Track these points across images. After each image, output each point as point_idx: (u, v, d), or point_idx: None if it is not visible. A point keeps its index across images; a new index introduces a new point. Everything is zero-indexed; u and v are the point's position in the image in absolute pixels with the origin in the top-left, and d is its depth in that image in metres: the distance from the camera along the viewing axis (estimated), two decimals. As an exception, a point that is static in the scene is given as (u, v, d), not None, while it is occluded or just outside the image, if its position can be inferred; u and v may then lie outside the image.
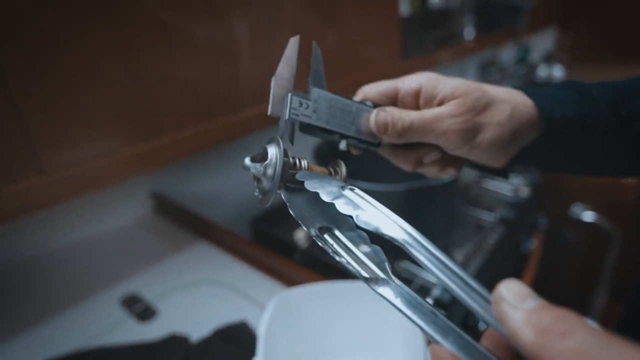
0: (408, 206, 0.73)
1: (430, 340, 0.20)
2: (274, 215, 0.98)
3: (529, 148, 0.36)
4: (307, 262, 0.81)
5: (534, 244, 1.08)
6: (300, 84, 0.31)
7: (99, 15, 0.50)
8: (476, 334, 0.86)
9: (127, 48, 0.54)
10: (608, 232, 1.32)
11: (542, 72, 1.88)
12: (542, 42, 2.30)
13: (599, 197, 1.34)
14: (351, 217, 0.24)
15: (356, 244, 0.27)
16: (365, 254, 0.26)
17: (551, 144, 0.36)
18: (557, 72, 1.79)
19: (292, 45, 0.30)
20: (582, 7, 2.20)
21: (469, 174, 1.11)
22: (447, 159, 0.38)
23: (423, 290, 0.70)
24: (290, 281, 0.69)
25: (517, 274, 1.02)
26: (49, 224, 0.78)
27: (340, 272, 0.73)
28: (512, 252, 0.99)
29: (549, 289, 1.48)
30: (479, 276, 0.80)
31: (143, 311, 0.64)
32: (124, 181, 0.73)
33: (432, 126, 0.33)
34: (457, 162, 0.39)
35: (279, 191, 0.29)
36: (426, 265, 0.22)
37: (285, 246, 0.87)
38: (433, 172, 0.40)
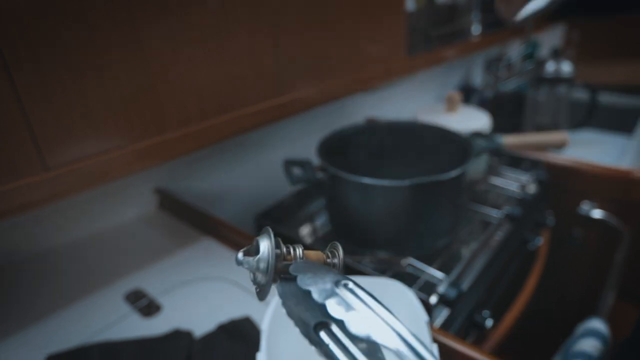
0: (413, 202, 0.72)
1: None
2: (278, 212, 0.98)
3: None
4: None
5: (541, 242, 1.06)
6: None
7: (104, 11, 0.50)
8: (483, 331, 0.84)
9: (132, 44, 0.53)
10: (617, 230, 1.30)
11: (550, 67, 1.85)
12: (550, 38, 2.27)
13: (608, 195, 1.32)
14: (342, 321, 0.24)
15: (354, 341, 0.27)
16: (363, 351, 0.26)
17: None
18: (566, 68, 1.77)
19: None
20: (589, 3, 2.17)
21: (475, 170, 1.10)
22: None
23: (428, 286, 0.69)
24: (294, 277, 0.69)
25: (523, 271, 1.01)
26: (53, 219, 0.78)
27: (345, 268, 0.72)
28: (519, 250, 0.98)
29: (556, 287, 1.47)
30: (484, 273, 0.80)
31: (147, 306, 0.64)
32: (128, 177, 0.73)
33: None
34: None
35: (274, 284, 0.29)
36: None
37: (289, 242, 0.87)
38: None
